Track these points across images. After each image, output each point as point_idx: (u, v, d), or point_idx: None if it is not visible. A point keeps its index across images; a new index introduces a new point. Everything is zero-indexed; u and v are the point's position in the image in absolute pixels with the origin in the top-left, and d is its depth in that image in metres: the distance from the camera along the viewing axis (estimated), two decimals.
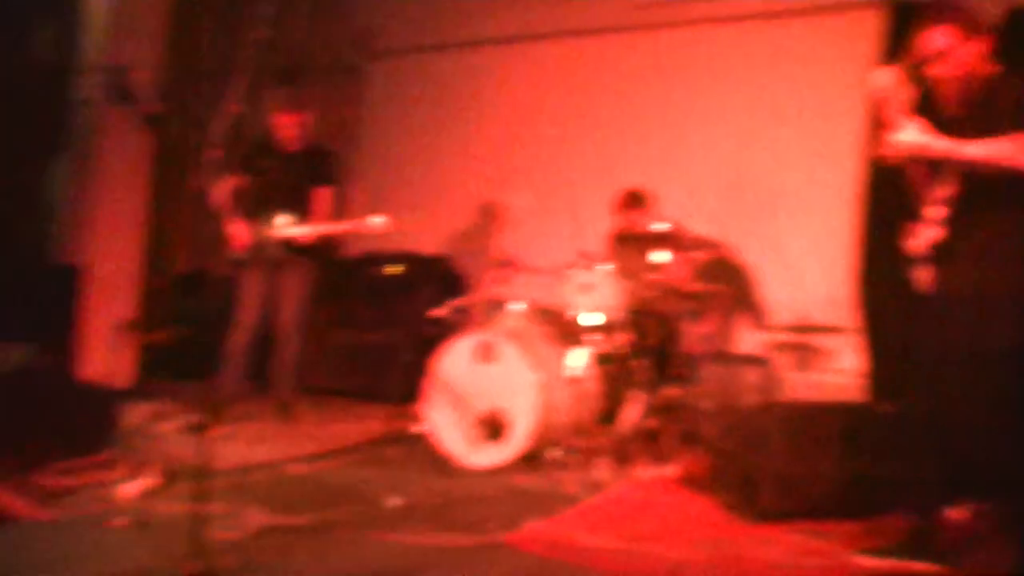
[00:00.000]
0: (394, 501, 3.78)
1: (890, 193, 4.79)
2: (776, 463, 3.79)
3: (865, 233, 4.93)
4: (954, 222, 3.12)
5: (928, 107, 3.20)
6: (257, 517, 3.42)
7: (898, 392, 4.55)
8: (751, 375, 5.81)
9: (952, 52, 3.07)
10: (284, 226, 5.13)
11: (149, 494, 3.61)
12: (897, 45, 4.82)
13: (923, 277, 3.25)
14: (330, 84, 7.87)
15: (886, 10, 4.95)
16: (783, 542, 3.54)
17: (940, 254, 3.19)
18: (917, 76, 3.15)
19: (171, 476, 3.77)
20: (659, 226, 4.93)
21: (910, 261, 3.28)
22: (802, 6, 5.88)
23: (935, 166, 3.16)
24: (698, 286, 5.18)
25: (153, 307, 6.56)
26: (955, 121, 3.13)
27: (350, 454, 4.70)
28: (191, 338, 6.58)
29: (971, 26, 3.07)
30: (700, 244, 5.11)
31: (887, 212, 4.89)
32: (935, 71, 3.12)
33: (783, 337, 5.64)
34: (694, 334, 5.29)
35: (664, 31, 6.44)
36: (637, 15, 6.51)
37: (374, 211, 5.26)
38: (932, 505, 3.32)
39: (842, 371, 5.42)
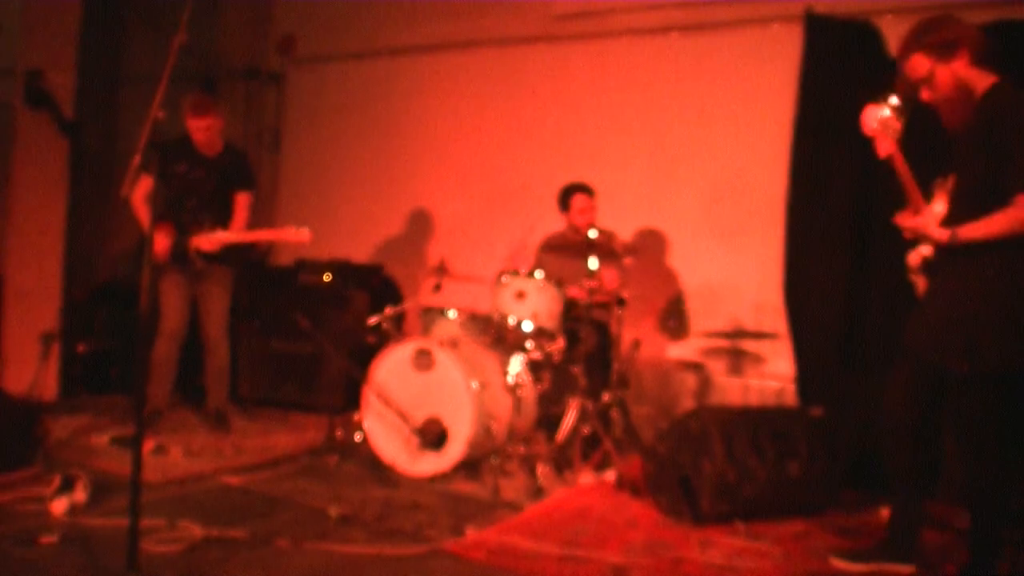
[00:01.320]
0: (334, 511, 3.73)
1: (810, 200, 5.00)
2: (712, 466, 3.85)
3: (794, 240, 5.04)
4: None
5: (935, 130, 3.25)
6: (193, 530, 3.35)
7: (826, 396, 4.70)
8: (686, 380, 5.91)
9: (933, 77, 3.11)
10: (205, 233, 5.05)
11: (79, 509, 3.50)
12: (815, 57, 5.02)
13: (919, 285, 3.33)
14: (251, 90, 7.78)
15: (805, 24, 5.07)
16: (721, 544, 3.61)
17: (931, 267, 3.28)
18: (913, 103, 3.20)
19: (102, 490, 3.66)
20: (590, 233, 4.97)
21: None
22: (724, 19, 5.99)
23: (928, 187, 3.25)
24: (630, 292, 5.23)
25: (75, 318, 6.37)
26: (960, 139, 3.16)
27: (287, 464, 4.63)
28: (117, 349, 6.42)
29: (945, 47, 3.08)
30: (631, 250, 5.17)
31: (809, 218, 5.05)
32: (924, 97, 3.17)
33: (716, 342, 5.74)
34: (628, 340, 5.34)
35: (586, 42, 6.50)
36: (558, 26, 6.57)
37: (297, 218, 5.21)
38: (910, 508, 3.38)
39: (773, 375, 5.54)
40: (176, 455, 4.60)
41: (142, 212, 5.06)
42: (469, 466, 4.49)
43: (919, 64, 3.12)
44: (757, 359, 5.67)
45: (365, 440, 4.59)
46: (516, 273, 4.95)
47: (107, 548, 3.09)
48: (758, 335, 5.46)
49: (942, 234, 3.06)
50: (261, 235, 5.30)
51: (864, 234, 4.88)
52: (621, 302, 5.17)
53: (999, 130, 2.98)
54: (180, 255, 5.06)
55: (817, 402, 4.57)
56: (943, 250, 3.14)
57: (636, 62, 6.33)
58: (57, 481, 3.55)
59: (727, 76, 5.98)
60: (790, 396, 5.25)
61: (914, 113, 3.30)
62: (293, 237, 4.96)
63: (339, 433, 4.88)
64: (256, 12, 7.91)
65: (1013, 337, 2.99)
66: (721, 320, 5.74)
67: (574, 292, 5.10)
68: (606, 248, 5.01)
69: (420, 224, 7.13)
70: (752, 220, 5.74)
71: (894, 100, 3.21)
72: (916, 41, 3.13)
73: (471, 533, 3.60)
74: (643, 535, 3.70)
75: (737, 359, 5.72)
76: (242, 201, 5.24)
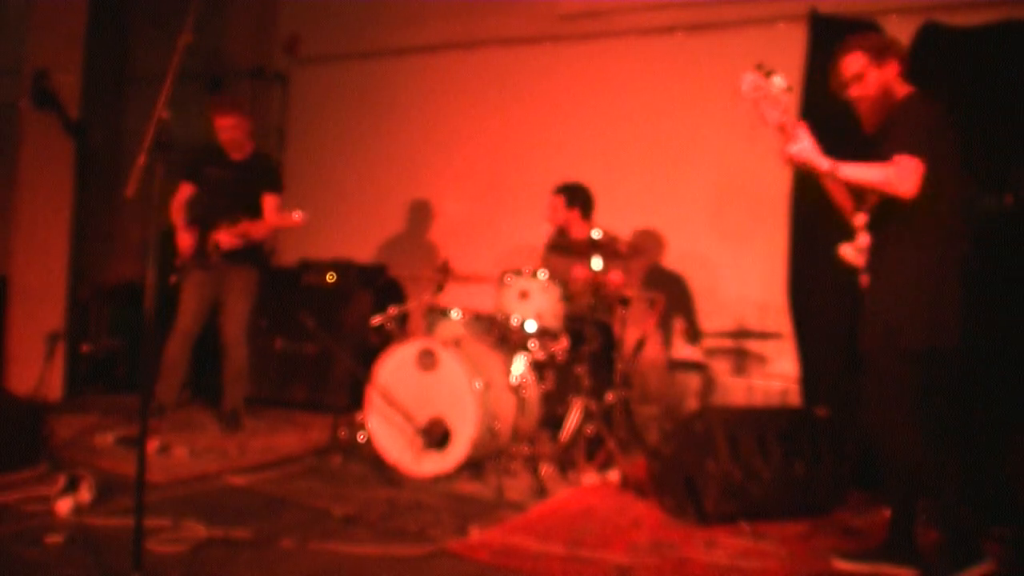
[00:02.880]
0: (338, 511, 3.74)
1: (815, 200, 4.99)
2: (717, 467, 3.85)
3: (798, 240, 5.03)
4: (875, 230, 3.35)
5: (855, 126, 3.48)
6: (197, 530, 3.35)
7: (831, 397, 4.70)
8: (690, 380, 5.91)
9: (864, 76, 3.37)
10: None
11: (84, 509, 3.51)
12: (820, 57, 5.01)
13: (863, 281, 3.40)
14: (256, 90, 7.79)
15: (809, 24, 5.07)
16: (725, 544, 3.61)
17: (869, 260, 3.37)
18: (842, 97, 3.45)
19: (107, 490, 3.67)
20: (594, 233, 4.96)
21: (845, 267, 3.43)
22: (728, 19, 5.99)
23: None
24: (634, 292, 5.23)
25: (80, 318, 6.39)
26: (872, 139, 3.39)
27: (292, 464, 4.64)
28: (122, 349, 6.44)
29: (880, 52, 3.36)
30: (635, 251, 5.16)
31: (814, 218, 5.03)
32: (852, 93, 3.42)
33: (720, 342, 5.73)
34: (632, 340, 5.34)
35: (591, 42, 6.51)
36: (563, 26, 6.58)
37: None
38: (910, 511, 3.40)
39: (778, 376, 5.53)
40: (181, 455, 4.61)
41: (177, 217, 5.20)
42: (473, 466, 4.49)
43: (855, 61, 3.39)
44: (761, 359, 5.67)
45: (369, 440, 4.60)
46: (520, 273, 4.95)
47: (112, 548, 3.10)
48: (762, 335, 5.46)
49: (826, 163, 3.23)
50: (261, 226, 5.28)
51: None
52: (625, 302, 5.17)
53: (903, 127, 3.24)
54: (200, 252, 5.11)
55: (822, 402, 4.56)
56: (874, 245, 3.34)
57: (641, 62, 6.33)
58: (62, 481, 3.56)
59: (732, 76, 5.93)
60: (794, 396, 5.24)
61: (837, 118, 3.51)
62: (287, 221, 5.04)
63: (343, 433, 4.89)
64: (261, 12, 7.94)
65: (929, 314, 3.20)
66: (725, 320, 5.74)
67: (578, 292, 5.10)
68: (610, 248, 5.01)
69: (424, 224, 7.14)
70: (757, 220, 5.74)
71: (778, 79, 3.32)
72: (859, 42, 3.42)
73: (475, 533, 3.59)
74: (648, 535, 3.70)
75: (741, 359, 5.72)
76: (270, 203, 5.30)
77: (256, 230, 5.18)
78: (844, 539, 3.74)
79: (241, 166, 5.29)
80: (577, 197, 5.59)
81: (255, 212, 5.24)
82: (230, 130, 5.17)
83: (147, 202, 2.97)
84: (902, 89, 3.37)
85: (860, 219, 3.39)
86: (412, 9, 7.21)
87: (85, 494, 3.55)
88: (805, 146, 3.25)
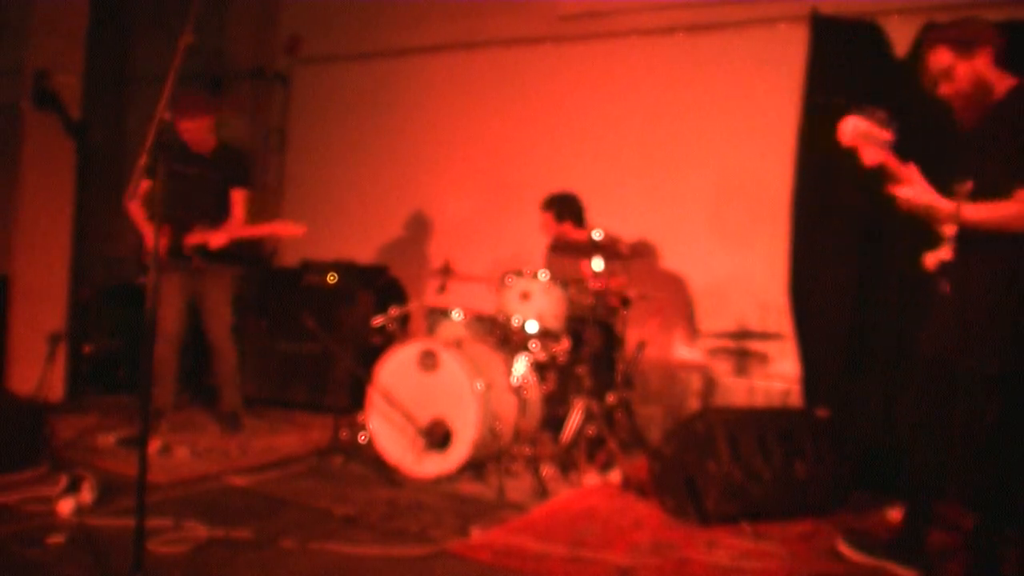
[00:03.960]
0: (339, 511, 3.74)
1: (816, 200, 4.99)
2: (718, 467, 3.85)
3: (800, 241, 5.03)
4: (959, 244, 3.17)
5: (952, 125, 3.29)
6: (199, 531, 3.35)
7: (832, 398, 4.70)
8: (691, 381, 5.91)
9: (953, 71, 3.17)
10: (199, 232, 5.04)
11: (85, 510, 3.50)
12: (821, 57, 5.01)
13: (942, 288, 3.29)
14: (258, 90, 7.81)
15: (811, 25, 5.06)
16: (727, 545, 3.61)
17: (950, 270, 3.25)
18: (934, 95, 3.24)
19: (108, 490, 3.67)
20: (595, 234, 4.96)
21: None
22: (729, 20, 5.99)
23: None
24: (635, 293, 5.23)
25: (82, 318, 6.39)
26: (974, 137, 3.21)
27: (293, 465, 4.63)
28: (124, 349, 6.44)
29: (967, 43, 3.15)
30: (636, 252, 5.16)
31: (815, 220, 5.04)
32: (943, 91, 3.22)
33: (722, 343, 5.73)
34: (634, 341, 5.34)
35: (591, 43, 6.51)
36: (564, 26, 6.58)
37: (302, 218, 5.22)
38: (925, 510, 3.38)
39: (779, 376, 5.53)
40: (182, 455, 4.61)
41: (136, 213, 5.05)
42: (474, 467, 4.49)
43: (941, 56, 3.18)
44: (763, 360, 5.67)
45: (370, 441, 4.60)
46: (521, 274, 4.95)
47: (113, 549, 3.10)
48: (764, 336, 5.46)
49: (948, 205, 3.09)
50: (257, 231, 5.26)
51: (872, 235, 4.87)
52: (626, 303, 5.17)
53: (1018, 130, 3.02)
54: (177, 254, 5.05)
55: (823, 403, 4.57)
56: (957, 252, 3.15)
57: (641, 63, 6.33)
58: (64, 481, 3.57)
59: (733, 76, 5.98)
60: (795, 397, 5.24)
61: (926, 118, 3.31)
62: (288, 231, 5.02)
63: (344, 434, 4.89)
64: (262, 13, 7.94)
65: (1014, 339, 3.02)
66: (727, 321, 5.73)
67: (579, 292, 5.10)
68: (611, 249, 5.01)
69: (425, 225, 7.14)
70: (758, 221, 5.74)
71: (877, 113, 3.21)
72: (941, 34, 3.21)
73: (476, 534, 3.59)
74: (649, 536, 3.70)
75: (743, 360, 5.72)
76: (238, 198, 5.22)
77: (245, 233, 5.13)
78: None
79: (207, 161, 5.17)
80: (566, 208, 5.60)
81: (223, 208, 5.17)
82: (192, 132, 5.07)
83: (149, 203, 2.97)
84: (1002, 81, 3.15)
85: (949, 229, 3.20)
86: (413, 10, 7.21)
87: (86, 495, 3.55)
88: (918, 189, 3.15)
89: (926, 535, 3.36)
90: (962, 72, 3.15)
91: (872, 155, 3.20)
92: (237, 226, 5.16)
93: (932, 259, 3.31)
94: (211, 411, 5.52)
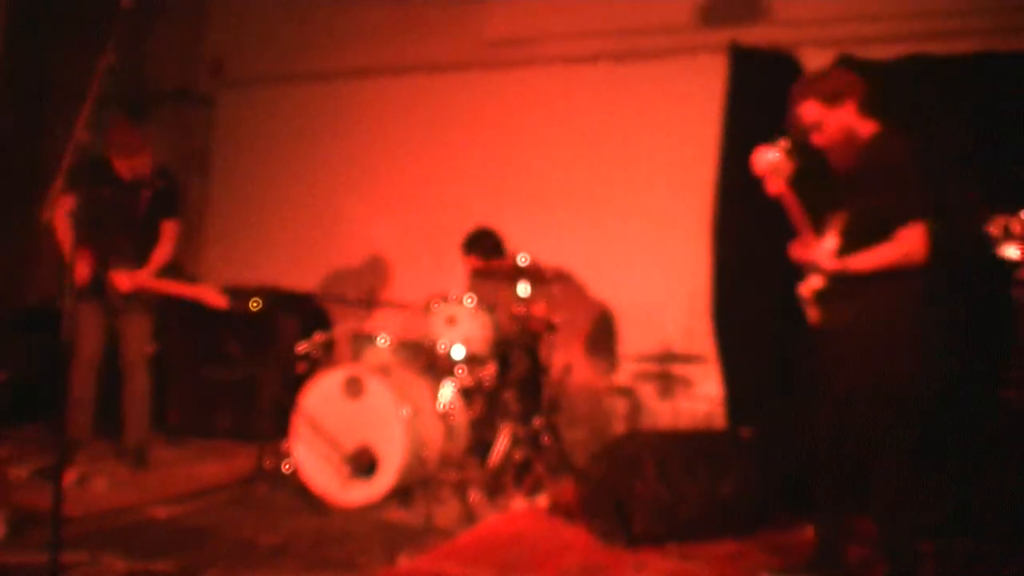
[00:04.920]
0: (264, 541, 3.67)
1: (738, 224, 5.10)
2: (645, 488, 3.88)
3: (721, 264, 5.13)
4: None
5: (824, 173, 3.44)
6: (118, 564, 3.27)
7: (755, 418, 4.77)
8: (617, 404, 5.95)
9: (822, 123, 3.33)
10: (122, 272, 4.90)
11: None
12: (739, 88, 5.13)
13: (811, 315, 3.42)
14: (181, 113, 7.67)
15: (730, 55, 5.19)
16: (655, 566, 3.64)
17: (823, 297, 3.38)
18: (805, 148, 3.40)
19: (22, 524, 3.54)
20: (520, 259, 4.99)
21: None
22: (652, 49, 6.11)
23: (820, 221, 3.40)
24: (560, 318, 5.26)
25: None
26: (847, 182, 3.36)
27: (217, 495, 4.53)
28: (39, 377, 6.22)
29: (834, 95, 3.31)
30: (559, 277, 5.21)
31: (736, 242, 5.13)
32: (815, 140, 3.38)
33: (646, 366, 5.79)
34: (560, 365, 5.37)
35: (518, 69, 6.56)
36: (490, 53, 6.62)
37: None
38: (837, 524, 3.47)
39: (703, 398, 5.61)
40: (100, 487, 4.48)
41: (63, 233, 4.68)
42: (401, 493, 4.44)
43: (810, 110, 3.35)
44: (687, 383, 5.73)
45: (295, 469, 4.52)
46: (446, 299, 4.95)
47: None
48: (687, 359, 5.52)
49: (833, 264, 3.27)
50: (178, 290, 5.05)
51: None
52: (551, 327, 5.20)
53: (880, 173, 3.22)
54: (97, 288, 4.88)
55: (746, 424, 4.64)
56: (837, 281, 3.30)
57: (567, 90, 6.40)
58: None
59: (655, 104, 6.09)
60: (719, 419, 5.31)
61: (811, 152, 3.47)
62: (211, 299, 4.85)
63: (268, 462, 4.78)
64: (188, 33, 7.80)
65: (913, 358, 3.22)
66: (652, 344, 5.79)
67: (504, 318, 5.11)
68: (535, 274, 5.03)
69: (351, 250, 7.07)
70: (681, 245, 5.82)
71: (784, 144, 3.38)
72: (808, 88, 3.38)
73: (404, 561, 3.56)
74: (578, 559, 3.70)
75: (667, 383, 5.78)
76: (168, 231, 5.06)
77: (165, 288, 4.97)
78: (772, 557, 3.79)
79: (139, 188, 4.98)
80: (489, 248, 5.61)
81: (151, 238, 5.01)
82: (130, 170, 4.89)
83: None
84: (865, 127, 3.34)
85: (830, 242, 3.34)
86: (339, 33, 7.16)
87: None
88: (806, 246, 3.36)
89: (842, 549, 3.44)
90: (831, 123, 3.32)
91: (775, 186, 3.37)
92: (163, 259, 5.02)
93: (807, 288, 3.42)
94: (113, 445, 5.25)
